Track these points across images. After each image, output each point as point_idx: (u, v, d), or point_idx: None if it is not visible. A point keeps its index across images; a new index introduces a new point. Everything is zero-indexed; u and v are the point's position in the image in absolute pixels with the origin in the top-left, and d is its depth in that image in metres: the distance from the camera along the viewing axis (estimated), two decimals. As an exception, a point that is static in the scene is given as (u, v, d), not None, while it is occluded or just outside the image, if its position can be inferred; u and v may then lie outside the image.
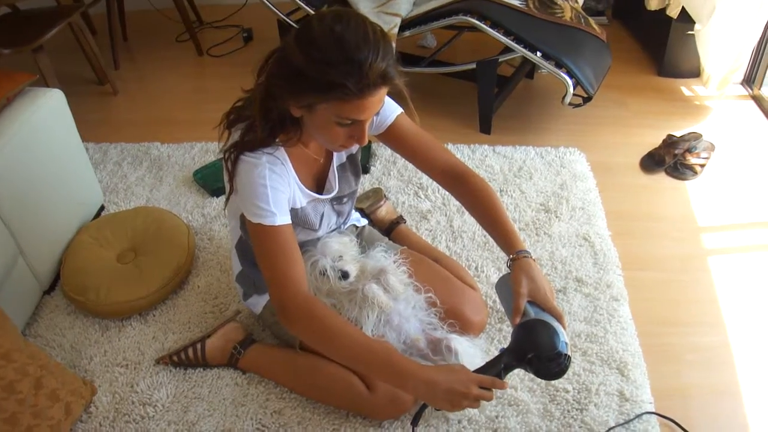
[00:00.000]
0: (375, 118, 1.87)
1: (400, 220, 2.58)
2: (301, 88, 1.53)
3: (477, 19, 2.93)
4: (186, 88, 3.86)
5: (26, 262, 2.35)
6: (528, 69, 3.53)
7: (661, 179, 2.94)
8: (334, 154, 1.96)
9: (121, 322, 2.37)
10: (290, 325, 1.71)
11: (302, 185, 1.87)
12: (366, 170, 2.95)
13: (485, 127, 3.20)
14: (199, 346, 2.19)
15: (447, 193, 2.73)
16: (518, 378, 2.11)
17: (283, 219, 1.72)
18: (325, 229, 2.09)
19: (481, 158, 3.03)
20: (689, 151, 2.90)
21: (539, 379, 2.09)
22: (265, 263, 1.73)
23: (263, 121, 1.66)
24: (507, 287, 1.79)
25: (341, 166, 2.01)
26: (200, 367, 2.21)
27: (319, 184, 1.98)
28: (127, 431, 2.02)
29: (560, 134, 3.20)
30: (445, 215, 2.73)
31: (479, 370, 1.65)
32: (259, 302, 2.18)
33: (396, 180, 2.93)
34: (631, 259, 2.52)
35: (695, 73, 3.57)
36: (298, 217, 1.90)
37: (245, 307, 2.34)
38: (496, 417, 2.01)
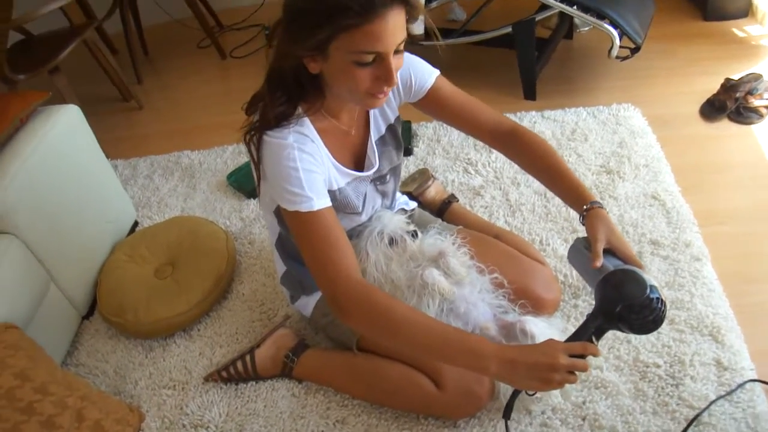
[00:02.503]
0: (412, 81, 1.70)
1: (451, 199, 2.36)
2: (305, 27, 1.36)
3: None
4: (212, 92, 3.69)
5: (59, 288, 2.19)
6: (566, 29, 3.26)
7: (725, 126, 2.67)
8: (372, 126, 1.76)
9: (165, 341, 2.21)
10: (347, 318, 1.50)
11: (338, 163, 1.68)
12: (409, 152, 2.73)
13: (530, 93, 2.96)
14: (248, 358, 2.00)
15: (499, 165, 2.58)
16: (602, 357, 1.88)
17: (322, 202, 1.53)
18: (370, 211, 1.88)
19: (529, 125, 2.78)
20: (751, 93, 2.63)
21: (626, 357, 1.86)
22: (308, 253, 1.54)
23: (279, 88, 1.49)
24: (581, 253, 1.59)
25: (381, 140, 1.80)
26: (252, 380, 2.03)
27: (357, 162, 1.78)
28: (185, 457, 1.86)
29: (610, 91, 2.93)
30: (500, 189, 2.51)
31: (567, 340, 1.45)
32: (308, 303, 1.99)
33: (442, 158, 2.71)
34: (707, 215, 2.27)
35: (744, 12, 3.28)
36: (337, 200, 1.70)
37: (294, 311, 2.15)
38: (583, 403, 1.79)
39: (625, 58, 2.74)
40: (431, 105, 1.78)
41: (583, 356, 1.40)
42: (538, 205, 2.39)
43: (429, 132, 2.84)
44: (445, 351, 1.43)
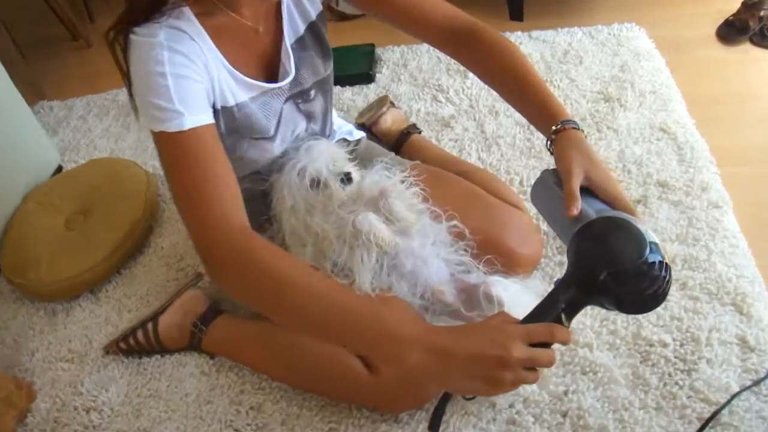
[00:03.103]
0: None
1: (412, 129, 1.82)
2: None
3: None
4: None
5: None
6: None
7: (747, 50, 2.07)
8: (285, 24, 1.25)
9: (69, 304, 1.73)
10: (217, 276, 1.01)
11: (236, 71, 1.17)
12: (370, 78, 2.17)
13: (516, 13, 2.34)
14: (150, 326, 1.52)
15: (476, 92, 2.00)
16: (592, 331, 1.36)
17: (198, 119, 1.06)
18: (289, 138, 1.36)
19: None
20: (776, 13, 2.04)
21: (623, 332, 1.34)
22: (175, 188, 1.06)
23: None
24: (550, 191, 1.07)
25: (299, 43, 1.29)
26: (157, 353, 1.54)
27: (268, 71, 1.27)
28: (68, 446, 1.40)
29: (610, 11, 2.31)
30: (474, 119, 1.94)
31: (526, 319, 0.94)
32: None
33: (408, 85, 2.13)
34: (725, 153, 1.71)
35: None
36: (236, 120, 1.21)
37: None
38: (565, 393, 1.28)
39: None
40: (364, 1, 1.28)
41: (548, 344, 0.90)
42: (519, 138, 1.83)
43: (395, 56, 2.26)
44: (343, 328, 0.93)
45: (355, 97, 2.10)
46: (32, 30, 3.07)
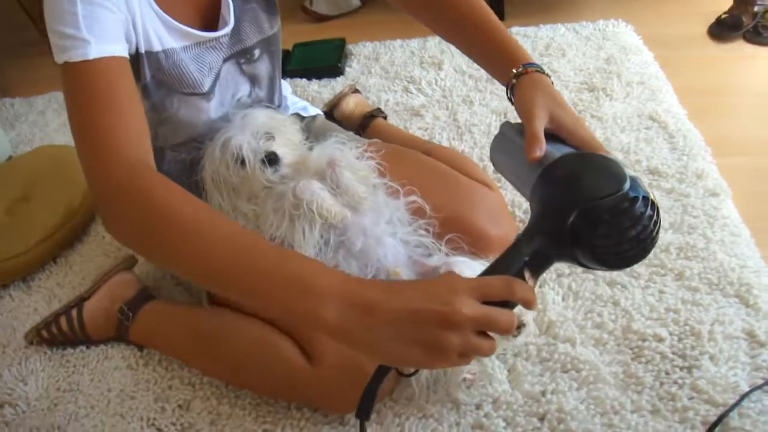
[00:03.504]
0: None
1: (376, 113, 1.59)
2: None
3: None
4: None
5: None
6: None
7: (740, 47, 1.86)
8: None
9: (-1, 292, 1.48)
10: (107, 214, 0.80)
11: (164, 13, 0.98)
12: (338, 71, 1.95)
13: (496, 11, 2.12)
14: (75, 312, 1.28)
15: (449, 84, 1.78)
16: (574, 324, 1.12)
17: (105, 49, 0.87)
18: (229, 101, 1.14)
19: (494, 44, 1.97)
20: (771, 10, 1.86)
21: (611, 325, 1.11)
22: (72, 121, 0.85)
23: None
24: (511, 142, 0.87)
25: None
26: (82, 344, 1.30)
27: (205, 21, 1.07)
28: (-30, 445, 1.16)
29: (596, 10, 2.10)
30: (447, 108, 1.71)
31: (483, 274, 0.72)
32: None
33: (378, 78, 1.91)
34: (720, 142, 1.48)
35: None
36: (163, 69, 1.01)
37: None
38: (542, 393, 1.04)
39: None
40: None
41: (507, 304, 0.66)
42: (494, 126, 1.60)
43: (367, 50, 2.04)
44: (249, 276, 0.69)
45: (321, 90, 1.88)
46: (9, 36, 2.87)
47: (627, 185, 0.67)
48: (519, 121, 0.87)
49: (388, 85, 1.85)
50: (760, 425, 0.93)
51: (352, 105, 1.59)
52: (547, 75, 0.90)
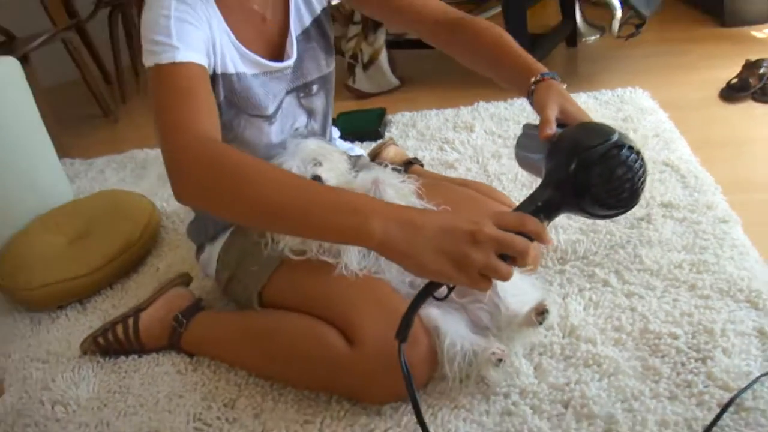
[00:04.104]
0: None
1: (414, 161, 1.73)
2: None
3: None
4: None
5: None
6: (569, 29, 2.66)
7: (749, 107, 2.00)
8: (292, 15, 1.25)
9: (55, 314, 1.61)
10: (183, 181, 0.94)
11: (242, 46, 1.17)
12: (379, 135, 2.13)
13: None
14: (131, 321, 1.39)
15: (480, 143, 1.96)
16: (595, 328, 1.20)
17: (191, 55, 1.03)
18: (288, 129, 1.30)
19: (519, 110, 2.14)
20: (777, 72, 2.01)
21: (628, 327, 1.20)
22: (158, 113, 1.00)
23: None
24: (530, 137, 1.02)
25: (304, 35, 1.28)
26: (135, 352, 1.39)
27: (272, 55, 1.25)
28: (24, 436, 1.24)
29: (614, 78, 2.29)
30: (477, 162, 1.87)
31: None
32: (212, 255, 1.37)
33: (415, 140, 2.09)
34: (731, 182, 1.59)
35: (765, 16, 2.63)
36: (236, 92, 1.19)
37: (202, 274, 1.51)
38: (566, 384, 1.10)
39: (630, 36, 2.15)
40: None
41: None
42: (521, 174, 1.74)
43: (405, 119, 2.24)
44: (309, 208, 0.83)
45: (363, 150, 2.05)
46: (68, 109, 3.16)
47: (615, 137, 0.84)
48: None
49: (425, 145, 2.04)
50: (773, 406, 0.99)
51: (392, 153, 1.75)
52: (560, 81, 1.05)
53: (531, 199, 0.87)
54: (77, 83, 3.11)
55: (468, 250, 0.77)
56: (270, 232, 1.21)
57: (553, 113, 0.97)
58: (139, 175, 2.29)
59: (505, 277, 0.79)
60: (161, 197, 2.04)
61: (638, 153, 0.84)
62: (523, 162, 1.06)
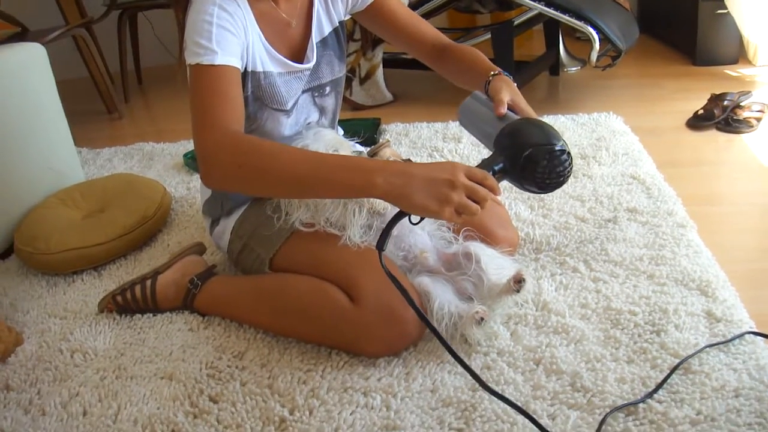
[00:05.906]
0: None
1: (408, 161, 1.90)
2: None
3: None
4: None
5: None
6: (552, 59, 2.89)
7: (713, 135, 2.21)
8: (314, 24, 1.44)
9: (71, 277, 1.73)
10: (212, 170, 1.18)
11: (271, 47, 1.36)
12: (375, 142, 2.30)
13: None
14: (149, 283, 1.52)
15: (467, 152, 2.14)
16: (565, 304, 1.38)
17: (228, 59, 1.24)
18: (301, 123, 1.49)
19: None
20: (739, 106, 2.22)
21: (593, 305, 1.38)
22: (194, 107, 1.22)
23: None
24: (479, 103, 1.30)
25: (322, 42, 1.47)
26: (150, 312, 1.52)
27: (294, 56, 1.43)
28: (45, 378, 1.37)
29: (591, 104, 2.51)
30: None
31: None
32: (226, 228, 1.52)
33: (407, 148, 2.27)
34: (691, 196, 1.79)
35: (734, 58, 2.89)
36: (262, 87, 1.37)
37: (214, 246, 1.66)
38: (538, 347, 1.26)
39: (607, 67, 2.37)
40: (376, 16, 1.51)
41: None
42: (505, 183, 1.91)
43: (398, 129, 2.44)
44: (321, 172, 1.12)
45: (362, 148, 2.23)
46: (76, 105, 3.26)
47: (561, 143, 1.12)
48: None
49: (416, 152, 2.23)
50: (716, 370, 1.15)
51: (388, 154, 1.92)
52: (512, 80, 1.30)
53: (488, 163, 1.14)
54: (77, 81, 3.24)
55: (447, 192, 1.05)
56: (283, 206, 1.37)
57: (506, 98, 1.22)
58: (146, 165, 2.43)
59: (474, 212, 1.07)
60: (168, 184, 2.18)
61: (569, 154, 1.12)
62: (466, 124, 1.33)
